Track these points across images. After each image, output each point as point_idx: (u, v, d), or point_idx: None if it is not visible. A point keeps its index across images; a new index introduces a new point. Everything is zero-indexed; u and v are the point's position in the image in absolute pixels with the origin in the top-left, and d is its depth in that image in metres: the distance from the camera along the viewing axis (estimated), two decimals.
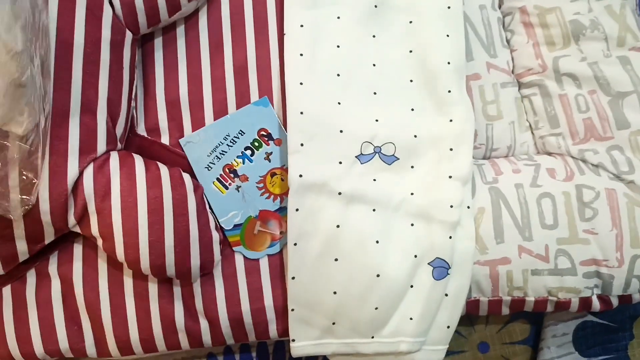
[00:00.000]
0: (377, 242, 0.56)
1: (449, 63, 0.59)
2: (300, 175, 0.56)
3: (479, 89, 0.65)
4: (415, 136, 0.59)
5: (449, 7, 0.61)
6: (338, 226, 0.56)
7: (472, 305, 0.60)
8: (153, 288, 0.56)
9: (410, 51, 0.61)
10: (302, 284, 0.56)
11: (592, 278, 0.58)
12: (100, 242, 0.53)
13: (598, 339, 0.67)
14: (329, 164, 0.57)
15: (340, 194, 0.56)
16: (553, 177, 0.60)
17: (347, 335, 0.56)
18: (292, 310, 0.56)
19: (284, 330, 0.58)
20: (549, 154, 0.64)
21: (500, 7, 0.68)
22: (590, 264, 0.58)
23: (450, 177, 0.58)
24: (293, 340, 0.57)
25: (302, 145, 0.56)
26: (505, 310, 0.61)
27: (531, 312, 0.61)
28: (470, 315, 0.62)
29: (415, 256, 0.56)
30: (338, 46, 0.60)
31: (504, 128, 0.65)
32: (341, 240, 0.56)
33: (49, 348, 0.57)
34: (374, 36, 0.61)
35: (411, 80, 0.61)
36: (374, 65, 0.60)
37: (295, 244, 0.56)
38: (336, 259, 0.55)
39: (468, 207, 0.58)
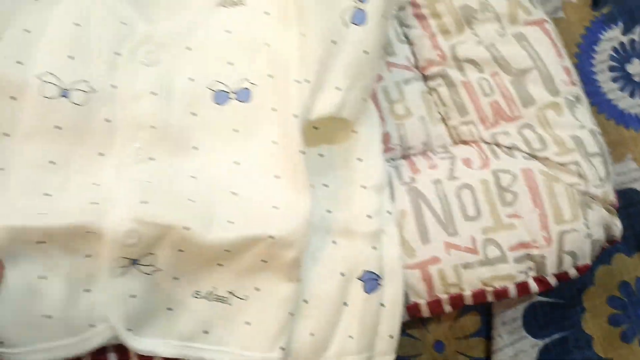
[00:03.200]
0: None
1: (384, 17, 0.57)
2: None
3: (383, 90, 0.63)
4: (321, 155, 0.57)
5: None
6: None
7: (413, 310, 0.59)
8: None
9: None
10: None
11: (524, 262, 0.57)
12: None
13: (549, 318, 0.66)
14: None
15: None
16: (469, 167, 0.59)
17: None
18: None
19: None
20: (465, 142, 0.63)
21: None
22: (520, 248, 0.57)
23: (363, 187, 0.57)
24: None
25: None
26: (448, 309, 0.59)
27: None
28: (421, 318, 0.61)
29: (343, 274, 0.55)
30: None
31: (415, 125, 0.63)
32: None
33: None
34: None
35: None
36: None
37: None
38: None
39: (389, 213, 0.57)
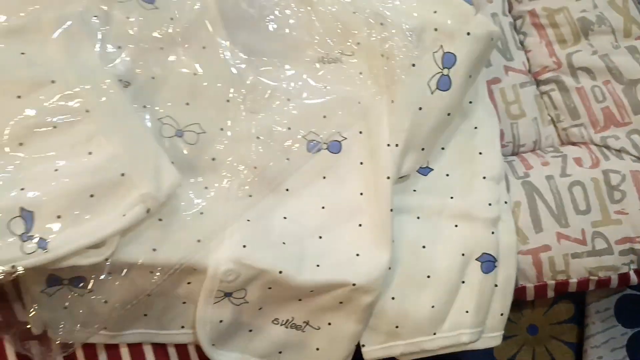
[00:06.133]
0: (424, 247, 0.61)
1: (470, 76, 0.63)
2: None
3: (500, 92, 0.70)
4: (442, 148, 0.64)
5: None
6: None
7: (519, 292, 0.65)
8: None
9: None
10: None
11: (627, 255, 0.62)
12: None
13: (638, 309, 0.71)
14: None
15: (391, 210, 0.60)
16: (580, 166, 0.65)
17: (411, 335, 0.60)
18: None
19: None
20: (573, 144, 0.69)
21: (510, 11, 0.73)
22: (625, 242, 0.62)
23: (484, 177, 0.63)
24: (363, 346, 0.61)
25: None
26: (551, 294, 0.65)
27: (574, 293, 0.66)
28: (518, 302, 0.67)
29: (463, 254, 0.61)
30: None
31: (528, 125, 0.70)
32: (393, 250, 0.60)
33: None
34: None
35: None
36: None
37: None
38: (389, 268, 0.60)
39: (505, 203, 0.63)
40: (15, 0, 0.53)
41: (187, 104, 0.59)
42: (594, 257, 0.62)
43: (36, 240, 0.47)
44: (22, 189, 0.48)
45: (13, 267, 0.46)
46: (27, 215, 0.48)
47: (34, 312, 0.53)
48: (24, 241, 0.47)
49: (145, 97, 0.57)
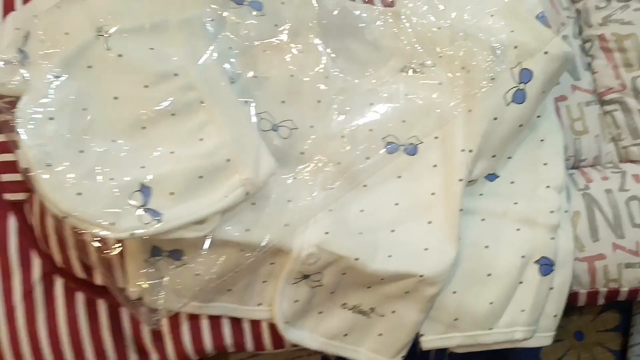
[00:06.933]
0: (487, 246, 0.65)
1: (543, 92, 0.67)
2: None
3: (566, 109, 0.74)
4: (509, 157, 0.68)
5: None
6: None
7: (572, 297, 0.69)
8: None
9: None
10: None
11: None
12: None
13: None
14: None
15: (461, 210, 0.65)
16: (638, 182, 0.69)
17: (468, 328, 0.65)
18: None
19: None
20: (632, 161, 0.73)
21: (580, 34, 0.78)
22: None
23: (547, 186, 0.67)
24: (422, 335, 0.66)
25: None
26: (601, 301, 0.69)
27: (622, 302, 0.69)
28: (567, 308, 0.70)
29: (523, 256, 0.65)
30: None
31: (590, 141, 0.74)
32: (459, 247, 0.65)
33: None
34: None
35: None
36: None
37: None
38: (454, 263, 0.64)
39: (566, 212, 0.67)
40: (146, 6, 0.59)
41: (283, 101, 0.65)
42: None
43: (152, 212, 0.53)
44: (143, 167, 0.55)
45: (132, 234, 0.52)
46: (145, 190, 0.54)
47: (138, 279, 0.60)
48: (142, 213, 0.53)
49: (247, 93, 0.63)
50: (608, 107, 0.75)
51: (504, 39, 0.63)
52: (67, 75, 0.55)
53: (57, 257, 0.65)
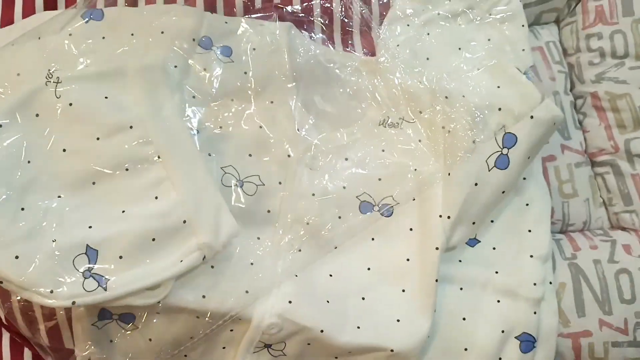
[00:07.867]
0: (464, 318, 0.61)
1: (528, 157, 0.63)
2: None
3: (555, 170, 0.70)
4: (492, 221, 0.64)
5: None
6: None
7: None
8: None
9: None
10: None
11: None
12: None
13: None
14: None
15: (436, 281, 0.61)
16: (629, 254, 0.65)
17: None
18: None
19: None
20: (623, 229, 0.69)
21: (571, 90, 0.74)
22: None
23: (531, 256, 0.63)
24: None
25: None
26: None
27: None
28: None
29: (503, 331, 0.61)
30: None
31: (580, 205, 0.70)
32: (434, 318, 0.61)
33: None
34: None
35: None
36: None
37: None
38: (428, 336, 0.60)
39: (550, 283, 0.63)
40: (104, 47, 0.55)
41: (250, 155, 0.61)
42: (634, 348, 0.62)
43: (97, 278, 0.49)
44: (90, 227, 0.51)
45: (73, 302, 0.48)
46: (92, 253, 0.50)
47: (84, 344, 0.56)
48: (86, 278, 0.49)
49: (211, 146, 0.59)
50: (599, 169, 0.71)
51: (489, 99, 0.60)
52: (9, 123, 0.51)
53: (2, 314, 0.60)
